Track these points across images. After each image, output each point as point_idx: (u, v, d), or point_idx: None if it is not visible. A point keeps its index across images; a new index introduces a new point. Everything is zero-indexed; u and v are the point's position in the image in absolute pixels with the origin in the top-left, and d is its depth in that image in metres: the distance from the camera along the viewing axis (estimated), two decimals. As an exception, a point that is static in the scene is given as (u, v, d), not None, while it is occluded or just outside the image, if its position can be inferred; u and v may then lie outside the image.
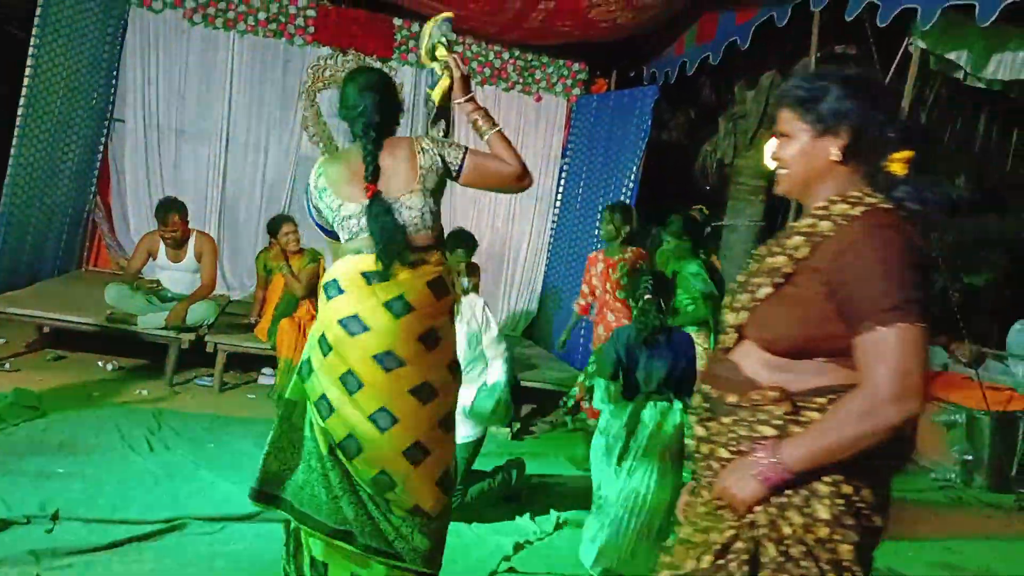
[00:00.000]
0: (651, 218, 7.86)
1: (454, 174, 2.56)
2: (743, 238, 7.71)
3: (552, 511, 3.92)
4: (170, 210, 5.43)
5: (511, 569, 3.28)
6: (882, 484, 1.65)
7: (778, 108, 1.78)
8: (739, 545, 1.63)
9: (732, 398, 1.67)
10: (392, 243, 2.40)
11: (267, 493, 2.50)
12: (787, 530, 1.59)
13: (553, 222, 7.98)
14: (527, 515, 3.88)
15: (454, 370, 2.56)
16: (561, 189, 8.01)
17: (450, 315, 2.55)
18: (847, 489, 1.58)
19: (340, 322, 2.40)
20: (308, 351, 2.49)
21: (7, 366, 5.12)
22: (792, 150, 1.74)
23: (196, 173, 7.32)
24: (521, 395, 5.47)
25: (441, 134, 2.72)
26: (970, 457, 5.66)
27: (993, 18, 4.01)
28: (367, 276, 2.41)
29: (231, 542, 3.18)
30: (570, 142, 7.96)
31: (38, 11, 5.82)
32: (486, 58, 7.75)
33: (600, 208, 7.13)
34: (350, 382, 2.38)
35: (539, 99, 7.94)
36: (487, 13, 6.77)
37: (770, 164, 5.83)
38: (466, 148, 2.58)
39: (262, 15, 7.19)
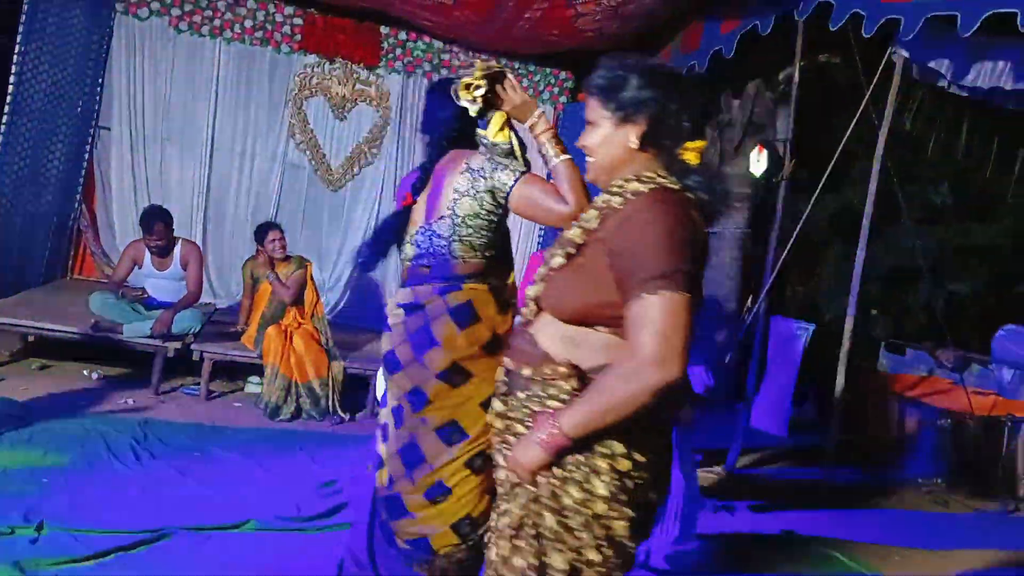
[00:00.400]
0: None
1: (502, 200, 2.32)
2: (729, 245, 7.74)
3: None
4: (155, 218, 5.41)
5: None
6: (657, 458, 1.69)
7: (586, 96, 1.83)
8: (527, 520, 1.69)
9: (527, 371, 1.72)
10: (420, 264, 2.33)
11: None
12: (567, 501, 1.64)
13: (541, 228, 7.99)
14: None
15: (477, 412, 2.28)
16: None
17: (483, 348, 2.29)
18: (624, 465, 1.63)
19: (383, 359, 2.41)
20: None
21: (-9, 375, 5.08)
22: (596, 137, 1.80)
23: (182, 181, 7.29)
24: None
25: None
26: (955, 462, 5.69)
27: (975, 28, 4.06)
28: (406, 308, 2.34)
29: (217, 552, 3.16)
30: (557, 150, 7.97)
31: (22, 19, 5.80)
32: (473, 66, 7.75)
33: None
34: (396, 416, 2.36)
35: (526, 107, 7.96)
36: (474, 22, 6.79)
37: (755, 172, 5.85)
38: (523, 172, 2.35)
39: (248, 23, 7.19)
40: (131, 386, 5.30)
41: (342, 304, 7.39)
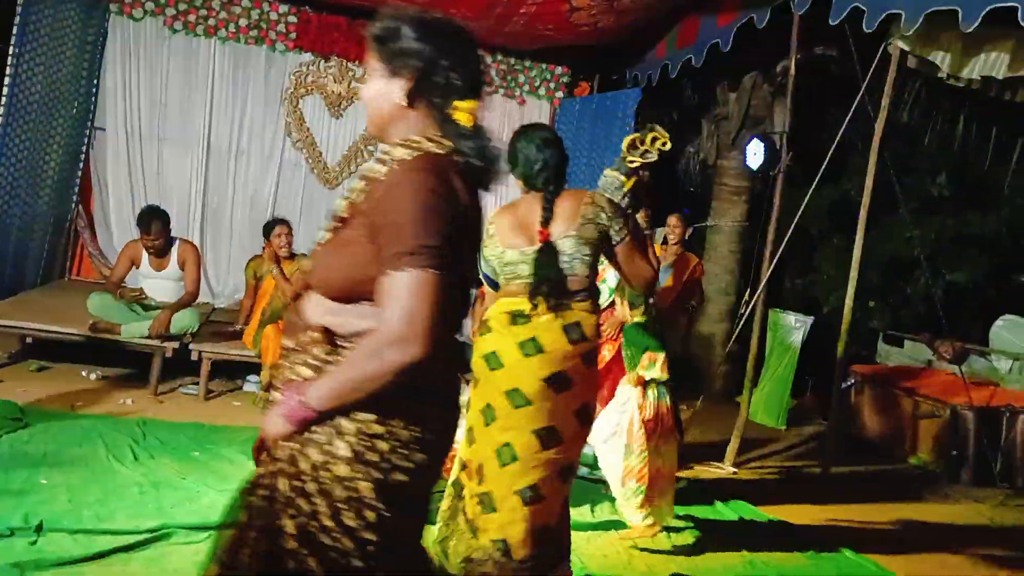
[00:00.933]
0: (636, 220, 7.88)
1: (610, 243, 2.73)
2: (727, 239, 7.75)
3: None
4: (152, 219, 5.40)
5: None
6: (418, 424, 1.62)
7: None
8: (262, 481, 1.63)
9: (290, 343, 1.69)
10: (544, 283, 2.61)
11: None
12: (304, 465, 1.57)
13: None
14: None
15: (583, 418, 2.65)
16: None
17: (585, 361, 2.64)
18: (377, 428, 1.57)
19: (483, 357, 2.62)
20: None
21: (-11, 377, 5.07)
22: (370, 90, 1.71)
23: (178, 181, 7.29)
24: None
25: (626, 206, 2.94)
26: (955, 453, 5.70)
27: (976, 24, 4.05)
28: (513, 316, 2.62)
29: (218, 551, 3.16)
30: (554, 145, 7.96)
31: (16, 20, 5.79)
32: (469, 62, 7.75)
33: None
34: (488, 414, 2.59)
35: (523, 102, 7.96)
36: (469, 18, 6.78)
37: (752, 165, 5.87)
38: (628, 234, 2.74)
39: (243, 22, 7.17)
40: (130, 387, 5.29)
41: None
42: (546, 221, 2.69)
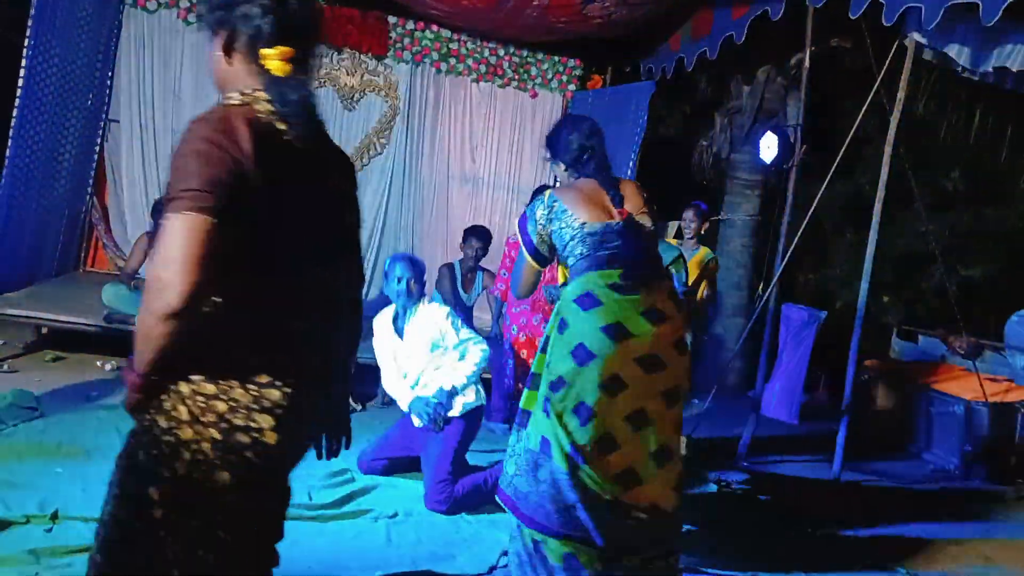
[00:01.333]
0: (648, 213, 7.86)
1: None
2: (740, 233, 7.73)
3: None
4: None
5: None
6: (256, 385, 1.62)
7: None
8: (127, 451, 1.65)
9: None
10: (643, 259, 2.71)
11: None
12: (156, 431, 1.60)
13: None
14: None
15: (690, 378, 2.77)
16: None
17: (675, 346, 2.70)
18: (209, 388, 1.58)
19: (602, 330, 2.56)
20: (558, 368, 2.59)
21: (5, 367, 5.11)
22: (210, 48, 1.76)
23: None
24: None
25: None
26: (969, 448, 5.67)
27: (997, 17, 4.01)
28: (615, 288, 2.62)
29: (231, 540, 3.18)
30: (567, 138, 7.95)
31: (31, 12, 5.81)
32: (481, 55, 7.74)
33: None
34: (612, 386, 2.54)
35: (535, 95, 7.94)
36: (482, 10, 6.77)
37: (765, 158, 5.84)
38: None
39: (257, 14, 7.17)
40: (144, 377, 5.32)
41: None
42: (619, 202, 2.76)
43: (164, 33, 7.12)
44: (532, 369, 2.76)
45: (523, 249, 2.85)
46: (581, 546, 2.53)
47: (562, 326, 2.64)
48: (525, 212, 2.89)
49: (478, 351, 4.06)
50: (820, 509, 4.46)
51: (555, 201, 2.78)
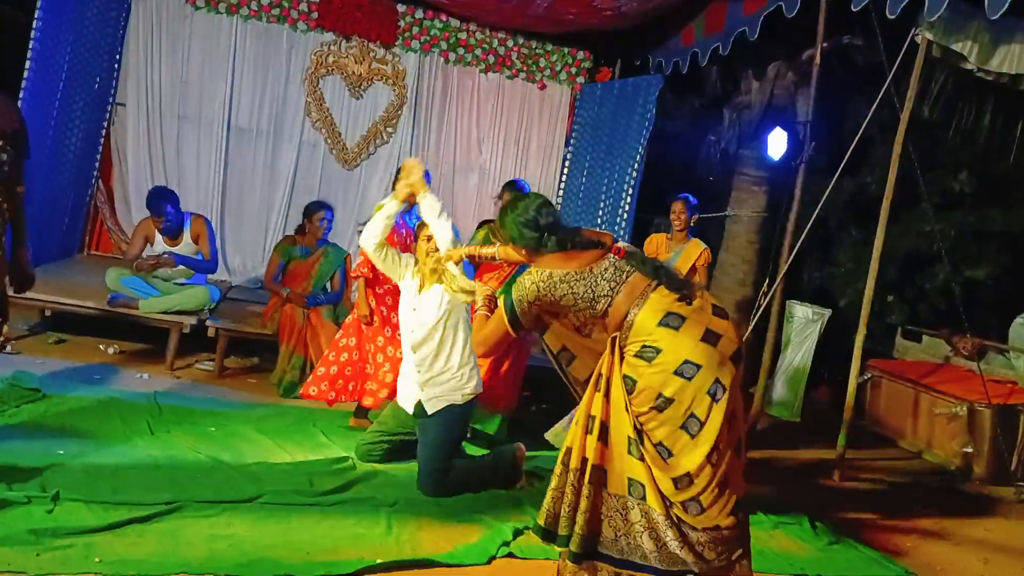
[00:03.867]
0: (655, 208, 7.85)
1: None
2: (746, 229, 7.70)
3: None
4: (161, 201, 5.41)
5: (510, 554, 3.29)
6: None
7: None
8: None
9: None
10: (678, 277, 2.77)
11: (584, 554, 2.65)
12: None
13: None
14: (526, 500, 3.88)
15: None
16: (564, 178, 7.99)
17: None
18: None
19: (676, 373, 2.58)
20: (634, 417, 2.60)
21: (9, 349, 5.11)
22: None
23: (198, 158, 7.30)
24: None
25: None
26: (970, 449, 5.66)
27: (1003, 11, 3.99)
28: (667, 322, 2.63)
29: (231, 524, 3.19)
30: (574, 130, 7.94)
31: (41, -7, 5.80)
32: (490, 45, 7.72)
33: (603, 196, 7.14)
34: (692, 425, 2.58)
35: (543, 87, 7.92)
36: (491, 0, 6.75)
37: (774, 154, 5.84)
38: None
39: (265, 0, 7.16)
40: (146, 361, 5.33)
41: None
42: (600, 244, 2.84)
43: (172, 18, 7.10)
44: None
45: (503, 314, 2.83)
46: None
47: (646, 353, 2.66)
48: (510, 288, 2.86)
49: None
50: (821, 507, 4.46)
51: (547, 273, 2.75)
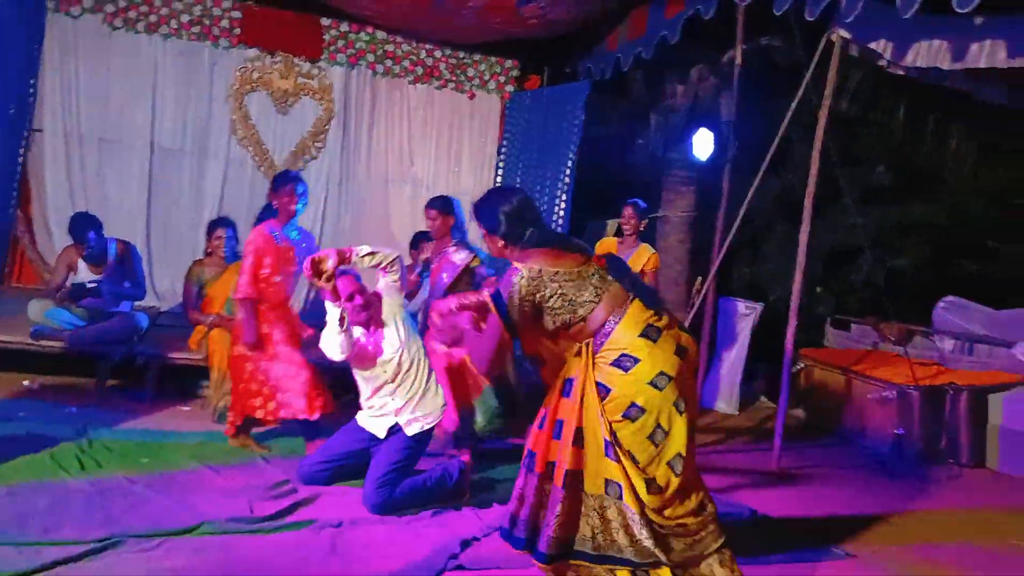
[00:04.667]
0: (589, 212, 7.93)
1: None
2: (677, 229, 7.82)
3: (497, 506, 3.92)
4: (84, 227, 5.25)
5: (459, 567, 3.27)
6: None
7: None
8: None
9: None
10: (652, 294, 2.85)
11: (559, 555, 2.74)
12: None
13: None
14: (475, 513, 3.88)
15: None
16: (498, 186, 8.00)
17: None
18: None
19: (649, 383, 2.67)
20: (608, 423, 2.66)
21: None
22: None
23: (121, 181, 7.12)
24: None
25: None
26: (901, 431, 5.84)
27: (914, 9, 4.13)
28: (647, 334, 2.71)
29: (168, 557, 3.10)
30: (505, 139, 7.97)
31: (-54, 18, 5.60)
32: (418, 56, 7.70)
33: (537, 203, 7.17)
34: (658, 435, 2.68)
35: (472, 96, 7.93)
36: (416, 11, 6.74)
37: (700, 155, 5.95)
38: None
39: (185, 18, 7.03)
40: (74, 394, 5.17)
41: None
42: (584, 249, 2.89)
43: (89, 39, 6.92)
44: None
45: (499, 319, 2.82)
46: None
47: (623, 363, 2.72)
48: (498, 289, 2.84)
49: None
50: (759, 495, 4.55)
51: (536, 269, 2.76)
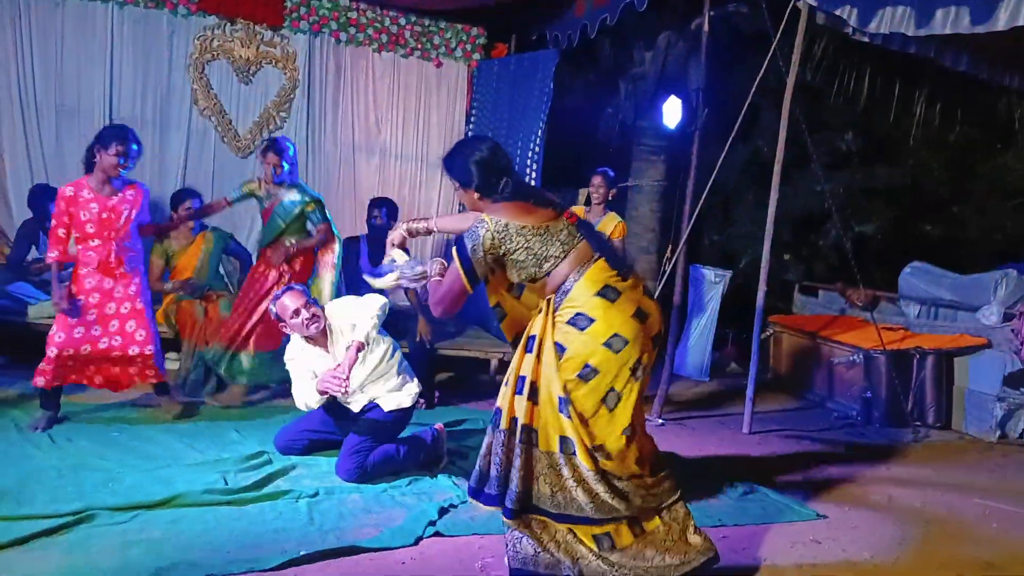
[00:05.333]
0: (558, 181, 7.91)
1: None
2: (647, 198, 7.85)
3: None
4: (43, 198, 5.14)
5: (437, 533, 3.28)
6: None
7: None
8: None
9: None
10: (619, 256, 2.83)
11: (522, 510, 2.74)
12: None
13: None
14: (450, 480, 3.88)
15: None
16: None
17: None
18: None
19: (604, 344, 2.65)
20: (563, 382, 2.65)
21: None
22: None
23: (80, 152, 6.87)
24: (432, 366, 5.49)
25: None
26: (869, 395, 5.95)
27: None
28: (604, 293, 2.69)
29: (144, 530, 3.07)
30: (473, 108, 7.89)
31: None
32: (382, 23, 7.57)
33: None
34: (610, 399, 2.67)
35: (439, 64, 7.83)
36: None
37: (669, 123, 5.95)
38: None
39: (142, -16, 6.82)
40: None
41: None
42: (556, 204, 2.85)
43: (41, 7, 6.68)
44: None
45: (458, 266, 2.74)
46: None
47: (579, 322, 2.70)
48: (462, 237, 2.78)
49: (376, 302, 3.96)
50: (732, 460, 4.61)
51: (502, 223, 2.71)
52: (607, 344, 2.64)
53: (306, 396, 3.90)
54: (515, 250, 2.72)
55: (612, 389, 2.66)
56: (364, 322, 3.86)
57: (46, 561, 2.76)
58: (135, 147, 4.31)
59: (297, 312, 3.87)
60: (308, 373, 3.93)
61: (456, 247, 2.77)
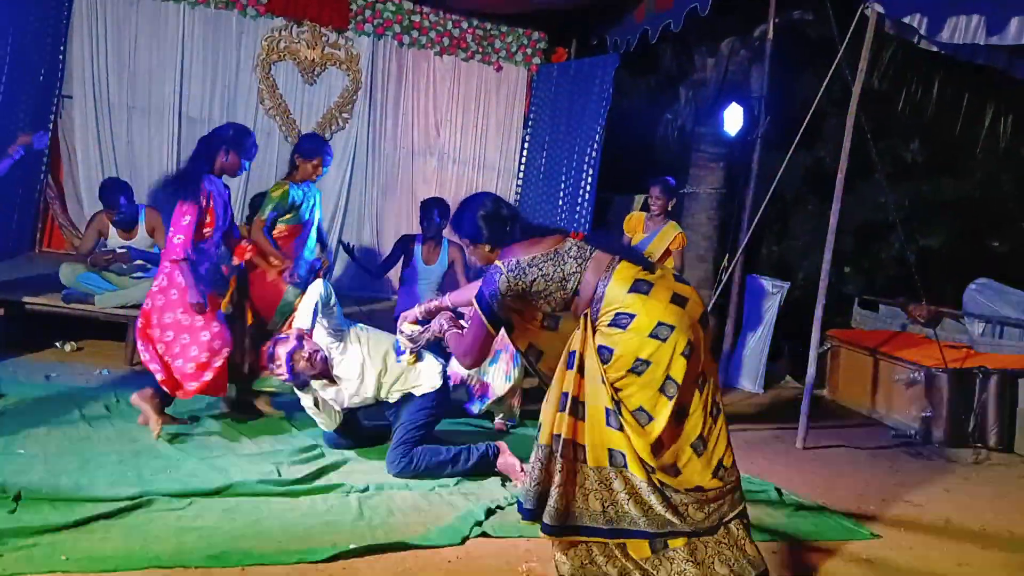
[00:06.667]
0: (615, 187, 7.89)
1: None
2: (704, 206, 7.77)
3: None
4: (114, 193, 5.31)
5: (483, 534, 3.29)
6: None
7: None
8: None
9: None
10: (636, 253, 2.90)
11: (564, 527, 2.70)
12: None
13: (516, 193, 7.95)
14: (499, 481, 3.90)
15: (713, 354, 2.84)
16: (523, 159, 7.97)
17: None
18: None
19: (651, 335, 2.63)
20: (611, 386, 2.63)
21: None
22: None
23: (150, 149, 7.15)
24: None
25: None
26: (929, 413, 5.79)
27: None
28: (637, 288, 2.69)
29: (199, 517, 3.14)
30: (532, 112, 7.92)
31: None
32: (444, 27, 7.65)
33: (563, 177, 7.14)
34: (669, 387, 2.63)
35: (499, 68, 7.88)
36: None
37: (730, 131, 5.90)
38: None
39: (212, -15, 7.01)
40: (105, 357, 5.23)
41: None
42: (560, 231, 2.90)
43: (117, 6, 6.92)
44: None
45: (480, 315, 2.80)
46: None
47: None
48: (481, 288, 2.83)
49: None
50: (786, 475, 4.53)
51: (513, 261, 2.76)
52: (653, 335, 2.62)
53: (327, 420, 4.07)
54: (532, 281, 2.75)
55: (669, 377, 2.63)
56: (304, 314, 3.96)
57: (105, 543, 2.84)
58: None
59: (302, 356, 3.90)
60: (314, 399, 4.06)
61: (476, 298, 2.83)
